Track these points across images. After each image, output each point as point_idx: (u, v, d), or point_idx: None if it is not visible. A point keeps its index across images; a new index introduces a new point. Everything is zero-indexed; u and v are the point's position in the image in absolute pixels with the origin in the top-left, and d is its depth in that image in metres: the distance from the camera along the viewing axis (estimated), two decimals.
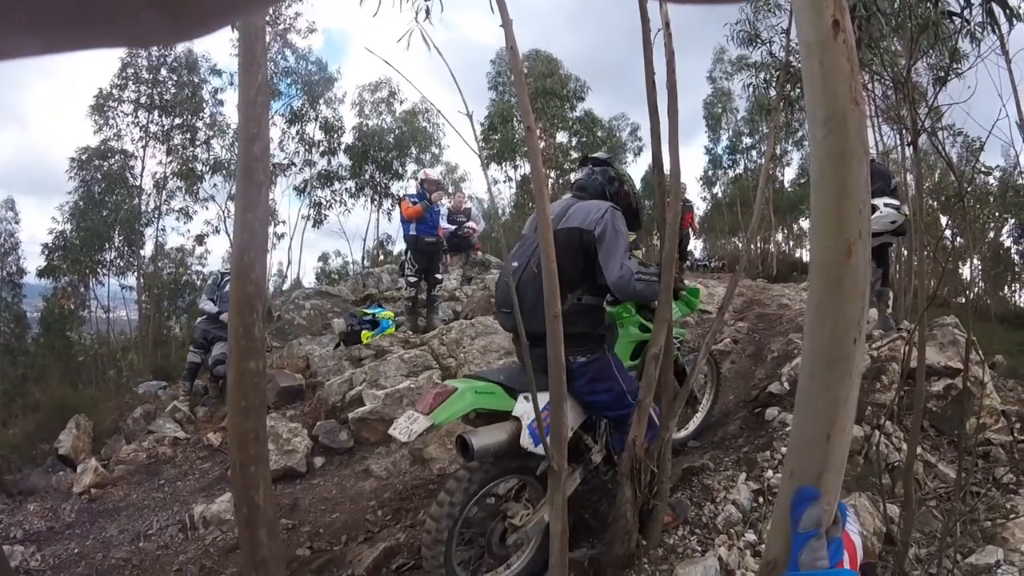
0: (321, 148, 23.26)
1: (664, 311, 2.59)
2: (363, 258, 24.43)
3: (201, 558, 3.84)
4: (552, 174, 23.79)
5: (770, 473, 3.30)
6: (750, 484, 3.24)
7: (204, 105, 21.92)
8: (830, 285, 0.70)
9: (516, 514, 2.64)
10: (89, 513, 4.93)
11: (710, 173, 29.30)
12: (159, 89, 21.31)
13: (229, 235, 21.84)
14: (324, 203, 23.36)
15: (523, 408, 2.60)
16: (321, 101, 22.82)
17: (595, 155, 3.14)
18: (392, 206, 24.10)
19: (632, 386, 2.83)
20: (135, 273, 21.18)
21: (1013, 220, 20.90)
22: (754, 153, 26.93)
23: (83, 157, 20.64)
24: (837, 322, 0.70)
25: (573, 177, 3.16)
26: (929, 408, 3.79)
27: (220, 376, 5.31)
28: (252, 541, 1.12)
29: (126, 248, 21.07)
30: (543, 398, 2.45)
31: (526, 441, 2.54)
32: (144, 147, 21.31)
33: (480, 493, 2.53)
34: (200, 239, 22.73)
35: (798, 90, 7.86)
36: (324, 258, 28.92)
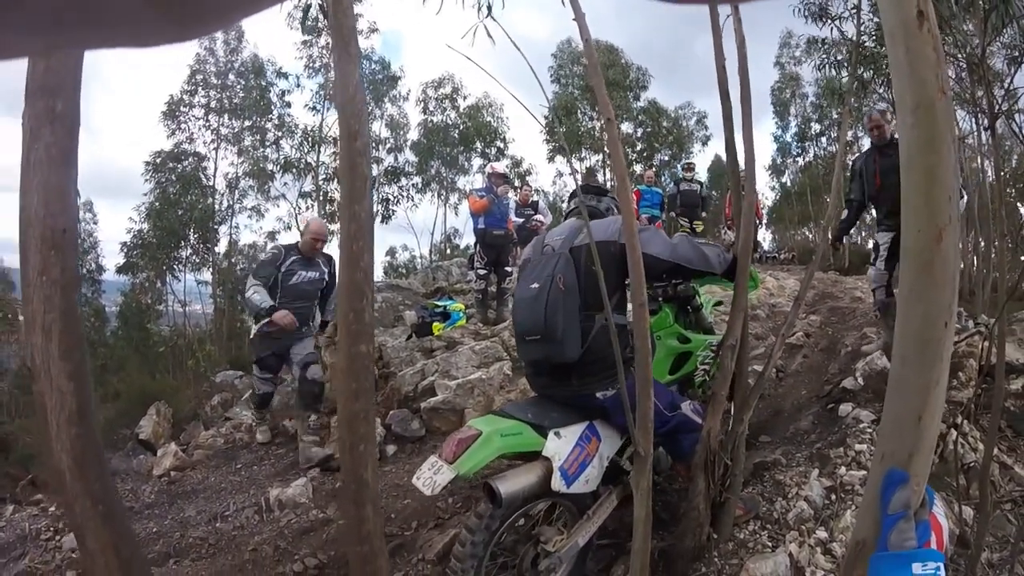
0: (388, 145, 23.71)
1: (740, 300, 2.56)
2: (431, 252, 24.77)
3: (276, 539, 3.96)
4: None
5: (843, 470, 3.21)
6: (823, 481, 3.16)
7: (272, 107, 22.72)
8: (921, 270, 0.71)
9: (549, 539, 2.51)
10: (168, 495, 5.10)
11: (778, 161, 28.39)
12: (228, 93, 22.23)
13: (300, 232, 22.59)
14: (392, 199, 23.78)
15: (554, 447, 2.43)
16: (386, 99, 23.23)
17: (591, 184, 3.10)
18: (459, 200, 24.36)
19: (667, 399, 2.72)
20: (210, 269, 22.20)
21: None
22: (824, 140, 25.88)
23: (158, 160, 21.71)
24: (929, 306, 0.72)
25: (567, 207, 3.05)
26: (1007, 407, 3.61)
27: (316, 379, 5.20)
28: (359, 516, 1.19)
29: (201, 245, 22.10)
30: (573, 432, 2.48)
31: (558, 484, 2.39)
32: (216, 149, 22.33)
33: (503, 529, 2.42)
34: (272, 235, 23.64)
35: (871, 71, 7.54)
36: (392, 252, 29.42)
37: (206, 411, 7.28)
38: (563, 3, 2.08)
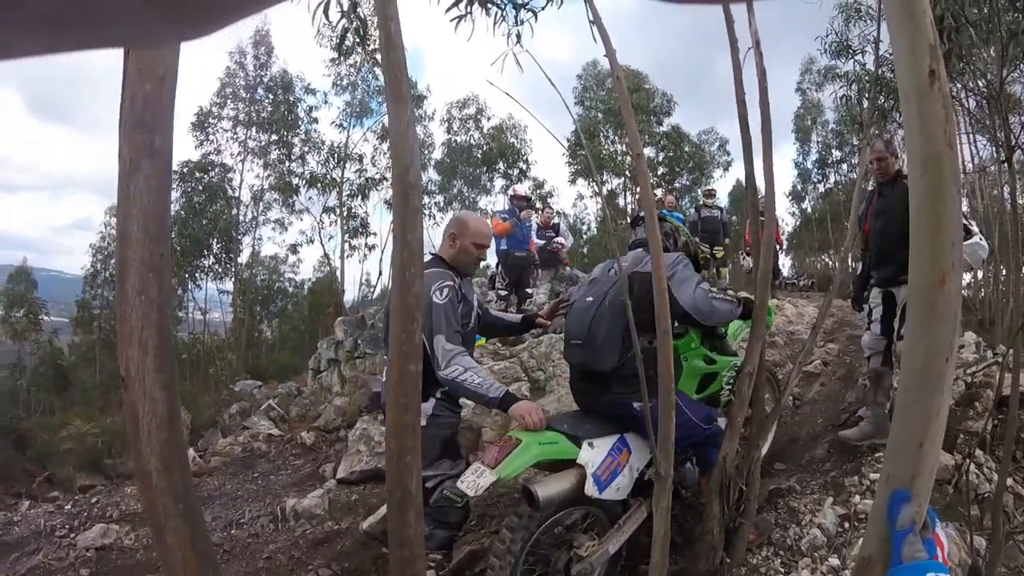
0: None
1: (759, 328, 2.61)
2: None
3: (290, 548, 4.01)
4: (638, 190, 23.62)
5: (857, 499, 3.22)
6: (836, 509, 3.17)
7: (299, 122, 22.99)
8: (926, 309, 0.78)
9: (582, 544, 2.64)
10: None
11: (799, 187, 28.23)
12: (256, 107, 22.63)
13: (323, 245, 22.77)
14: None
15: (587, 456, 2.60)
16: None
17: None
18: None
19: (701, 413, 2.89)
20: (231, 278, 22.46)
21: None
22: (845, 167, 25.73)
23: (185, 170, 22.05)
24: (931, 342, 0.79)
25: (632, 236, 3.28)
26: (1022, 438, 3.60)
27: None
28: (402, 522, 1.27)
29: (224, 255, 22.39)
30: (606, 443, 2.65)
31: (591, 489, 2.55)
32: (243, 161, 22.64)
33: (540, 532, 2.58)
34: (294, 248, 23.80)
35: (892, 101, 7.56)
36: None
37: (224, 419, 7.39)
38: (594, 39, 2.18)
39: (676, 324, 3.23)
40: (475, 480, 2.46)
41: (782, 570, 2.81)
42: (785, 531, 3.08)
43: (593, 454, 2.60)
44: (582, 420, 2.80)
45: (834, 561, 2.82)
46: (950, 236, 0.78)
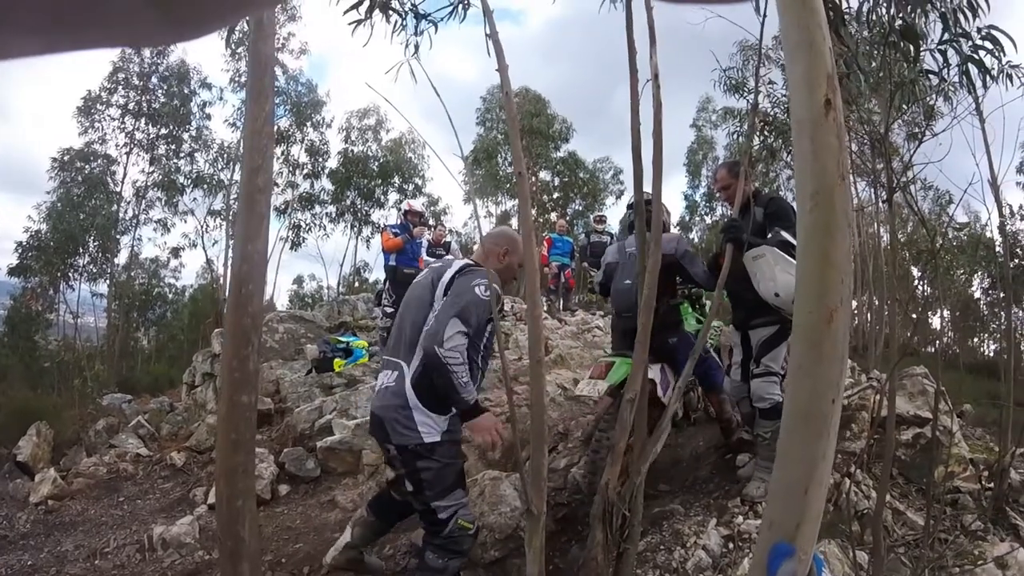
0: (305, 171, 23.02)
1: (641, 355, 2.62)
2: (339, 284, 23.95)
3: None
4: (534, 211, 23.96)
5: (740, 519, 3.30)
6: (720, 530, 3.23)
7: (192, 117, 21.69)
8: (811, 347, 0.74)
9: None
10: (45, 525, 4.80)
11: (687, 218, 29.68)
12: (148, 97, 21.07)
13: (206, 250, 21.52)
14: (303, 226, 23.05)
15: (653, 373, 3.54)
16: (308, 124, 22.75)
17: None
18: (372, 234, 23.94)
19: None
20: (107, 280, 20.76)
21: (982, 272, 21.48)
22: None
23: (65, 158, 20.32)
24: (816, 382, 0.74)
25: (625, 217, 4.75)
26: (898, 456, 3.84)
27: None
28: (234, 574, 1.11)
29: (100, 254, 20.67)
30: (657, 367, 3.70)
31: (659, 392, 3.65)
32: (128, 154, 21.00)
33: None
34: (176, 252, 22.32)
35: (781, 141, 8.08)
36: (299, 281, 28.41)
37: (90, 436, 6.76)
38: (488, 54, 2.12)
39: (683, 289, 4.42)
40: (594, 386, 3.83)
41: None
42: (670, 553, 3.10)
43: (655, 371, 3.65)
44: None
45: None
46: (839, 272, 0.75)
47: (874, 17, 3.50)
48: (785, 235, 3.21)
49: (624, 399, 2.70)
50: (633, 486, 2.70)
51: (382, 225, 8.95)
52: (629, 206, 4.30)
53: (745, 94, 10.71)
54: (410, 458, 2.56)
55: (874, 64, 3.65)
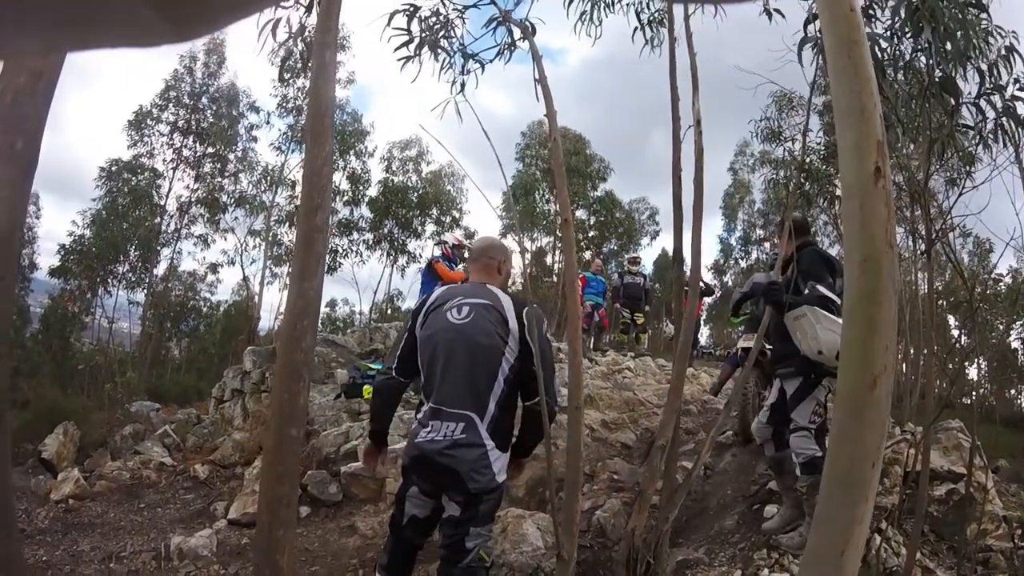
0: (345, 197, 23.46)
1: (674, 401, 2.61)
2: (371, 310, 24.16)
3: None
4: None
5: (765, 572, 3.22)
6: None
7: (238, 139, 22.34)
8: (854, 413, 0.74)
9: None
10: (63, 523, 4.85)
11: (721, 261, 29.45)
12: (198, 116, 21.77)
13: (243, 268, 21.94)
14: (340, 251, 23.39)
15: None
16: (351, 152, 23.21)
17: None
18: (407, 263, 24.16)
19: None
20: (144, 289, 21.25)
21: (1022, 323, 20.83)
22: (768, 245, 27.09)
23: (113, 168, 20.99)
24: (857, 448, 0.74)
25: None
26: (930, 512, 3.72)
27: None
28: None
29: (140, 263, 21.20)
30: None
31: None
32: (174, 169, 21.63)
33: None
34: (214, 268, 22.77)
35: (816, 187, 8.04)
36: (332, 304, 28.76)
37: (115, 440, 6.87)
38: (537, 99, 2.17)
39: None
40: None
41: None
42: None
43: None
44: None
45: None
46: (884, 339, 0.75)
47: (912, 67, 3.49)
48: (821, 289, 3.15)
49: (655, 445, 2.67)
50: (660, 534, 2.66)
51: (432, 256, 8.95)
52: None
53: (782, 141, 10.71)
54: (477, 499, 2.51)
55: (908, 110, 3.63)
